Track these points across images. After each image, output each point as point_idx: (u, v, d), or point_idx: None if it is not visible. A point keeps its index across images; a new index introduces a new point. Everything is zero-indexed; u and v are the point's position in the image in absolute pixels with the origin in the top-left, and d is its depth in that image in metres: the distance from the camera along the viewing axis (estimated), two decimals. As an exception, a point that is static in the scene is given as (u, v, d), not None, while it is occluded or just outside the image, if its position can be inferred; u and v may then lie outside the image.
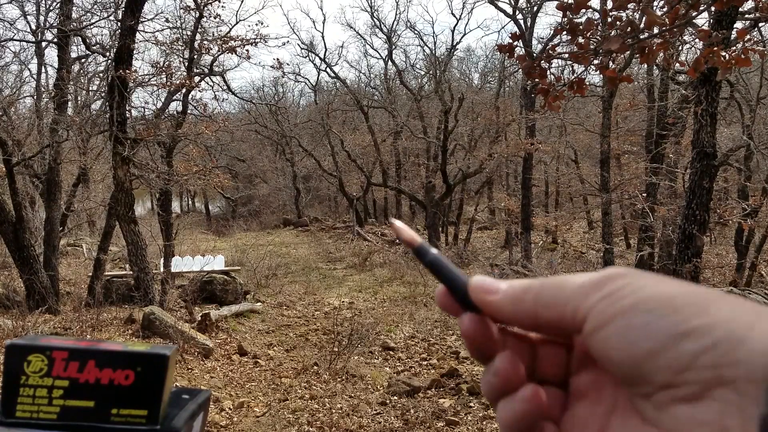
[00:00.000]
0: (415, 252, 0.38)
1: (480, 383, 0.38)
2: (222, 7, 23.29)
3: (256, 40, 8.82)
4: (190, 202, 34.28)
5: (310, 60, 34.77)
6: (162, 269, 8.49)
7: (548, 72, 4.33)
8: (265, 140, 24.91)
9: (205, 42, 8.95)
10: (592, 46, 4.15)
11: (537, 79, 4.32)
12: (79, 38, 8.26)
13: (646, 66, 10.91)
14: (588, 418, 0.35)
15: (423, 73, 21.27)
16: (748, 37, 4.31)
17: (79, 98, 9.14)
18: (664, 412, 0.29)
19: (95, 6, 8.13)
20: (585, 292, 0.32)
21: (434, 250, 0.37)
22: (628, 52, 4.45)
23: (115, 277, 8.48)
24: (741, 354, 0.27)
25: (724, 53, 3.83)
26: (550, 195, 22.26)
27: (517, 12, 15.63)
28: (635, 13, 4.15)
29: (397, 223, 0.39)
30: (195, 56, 8.88)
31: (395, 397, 6.06)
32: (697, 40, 4.96)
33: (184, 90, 8.52)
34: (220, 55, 9.36)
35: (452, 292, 0.36)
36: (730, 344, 0.27)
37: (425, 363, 7.13)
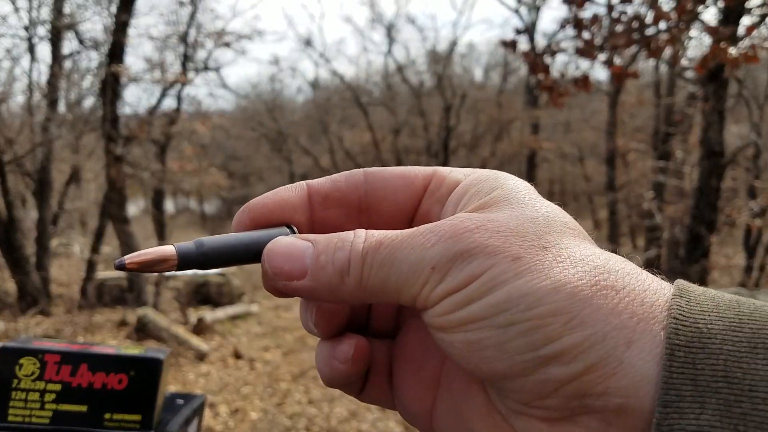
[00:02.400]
0: (183, 264, 0.28)
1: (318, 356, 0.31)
2: (217, 1, 23.26)
3: (252, 36, 8.72)
4: (185, 201, 34.34)
5: (308, 55, 34.65)
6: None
7: (551, 68, 4.25)
8: (261, 138, 24.84)
9: (200, 37, 8.91)
10: (597, 42, 4.06)
11: (541, 75, 4.21)
12: (71, 34, 8.18)
13: (652, 62, 10.80)
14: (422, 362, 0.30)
15: (424, 69, 21.16)
16: (756, 33, 4.23)
17: (71, 94, 9.05)
18: (517, 418, 0.25)
19: (88, 0, 8.01)
20: (424, 279, 0.24)
21: (201, 240, 0.28)
22: (635, 47, 4.34)
23: (108, 279, 8.40)
24: (613, 382, 0.22)
25: (732, 49, 3.72)
26: (555, 194, 22.17)
27: (521, 6, 15.50)
28: (642, 7, 4.06)
29: (129, 258, 0.27)
30: (189, 52, 8.82)
31: (395, 403, 5.98)
32: (704, 35, 4.85)
33: (178, 86, 8.44)
34: (215, 50, 9.31)
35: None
36: (605, 370, 0.22)
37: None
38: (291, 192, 0.31)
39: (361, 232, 0.27)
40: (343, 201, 0.31)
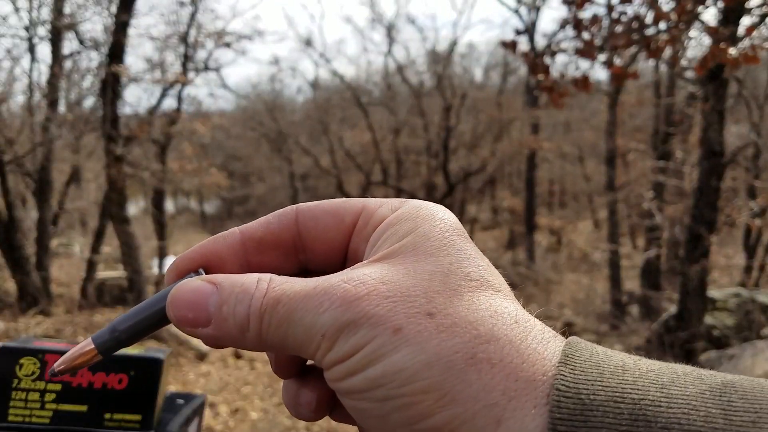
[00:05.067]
0: (105, 354, 0.28)
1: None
2: (218, 1, 23.26)
3: (252, 36, 8.72)
4: (185, 201, 34.35)
5: (308, 55, 34.61)
6: (156, 270, 8.41)
7: (551, 68, 4.24)
8: (261, 138, 24.83)
9: (200, 37, 8.90)
10: (597, 42, 4.05)
11: (541, 75, 4.20)
12: (71, 34, 8.17)
13: (652, 62, 10.79)
14: None
15: (424, 69, 21.14)
16: (755, 33, 4.22)
17: (71, 94, 9.05)
18: None
19: (88, 0, 8.00)
20: (316, 345, 0.25)
21: (113, 323, 0.28)
22: (635, 47, 4.33)
23: (108, 279, 8.38)
24: None
25: (731, 50, 3.71)
26: (555, 194, 22.11)
27: (521, 6, 15.49)
28: (642, 8, 4.05)
29: (57, 365, 0.28)
30: (189, 52, 8.82)
31: (394, 402, 6.00)
32: (704, 35, 4.85)
33: (178, 86, 8.43)
34: (215, 50, 9.31)
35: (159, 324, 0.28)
36: None
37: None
38: (220, 242, 0.31)
39: (264, 283, 0.27)
40: (278, 243, 0.31)
